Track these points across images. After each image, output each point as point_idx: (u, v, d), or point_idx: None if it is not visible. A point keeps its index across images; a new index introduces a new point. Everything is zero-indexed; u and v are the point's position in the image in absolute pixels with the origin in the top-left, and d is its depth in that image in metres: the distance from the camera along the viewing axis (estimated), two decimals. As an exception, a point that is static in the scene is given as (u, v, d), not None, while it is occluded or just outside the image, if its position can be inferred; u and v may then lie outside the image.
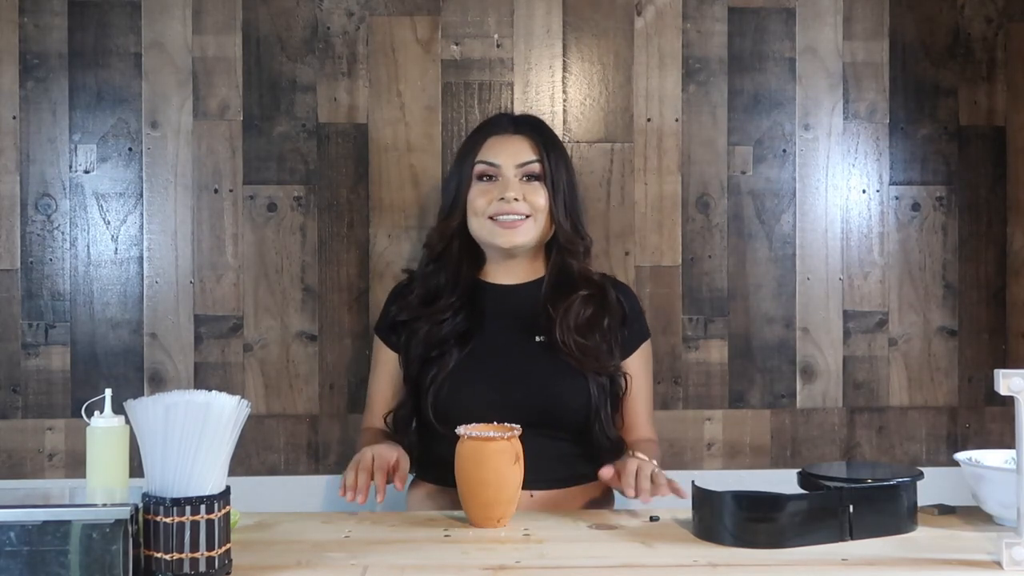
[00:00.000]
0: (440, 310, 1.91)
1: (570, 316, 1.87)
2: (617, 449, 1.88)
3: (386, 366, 1.99)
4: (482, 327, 1.91)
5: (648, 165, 2.31)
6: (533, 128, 1.97)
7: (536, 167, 1.91)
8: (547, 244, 1.97)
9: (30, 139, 2.24)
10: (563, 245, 1.93)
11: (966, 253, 2.36)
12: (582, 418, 1.86)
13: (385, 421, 1.95)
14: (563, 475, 1.84)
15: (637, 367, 1.97)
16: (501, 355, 1.89)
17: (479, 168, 1.92)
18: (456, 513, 1.58)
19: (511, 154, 1.92)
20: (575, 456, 1.87)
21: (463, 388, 1.85)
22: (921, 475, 1.54)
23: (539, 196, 1.90)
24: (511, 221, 1.88)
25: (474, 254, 1.97)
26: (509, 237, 1.89)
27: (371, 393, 2.02)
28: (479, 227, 1.91)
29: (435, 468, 1.88)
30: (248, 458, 2.25)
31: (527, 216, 1.89)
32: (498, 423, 1.58)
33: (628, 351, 1.96)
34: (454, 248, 1.95)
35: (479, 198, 1.90)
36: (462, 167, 1.95)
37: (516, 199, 1.88)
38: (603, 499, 1.93)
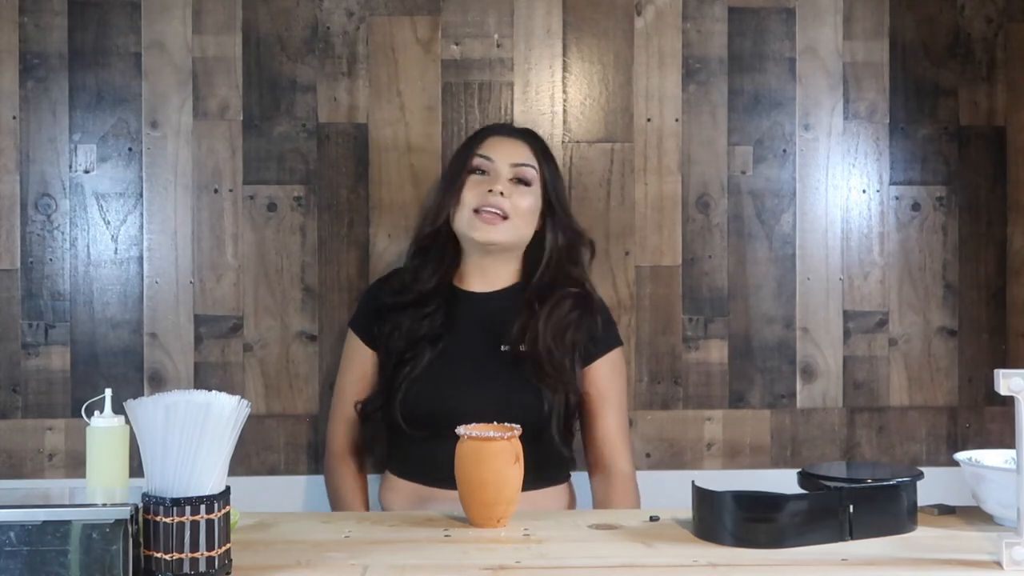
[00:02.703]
0: (424, 303, 1.97)
1: (553, 318, 1.92)
2: (564, 466, 1.96)
3: (361, 362, 2.04)
4: (452, 332, 1.97)
5: (648, 165, 2.31)
6: (532, 136, 2.06)
7: (530, 171, 1.97)
8: (525, 252, 2.03)
9: (30, 139, 2.24)
10: (562, 249, 1.98)
11: (966, 253, 2.36)
12: (537, 427, 1.88)
13: (356, 408, 2.01)
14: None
15: (604, 373, 1.99)
16: (466, 361, 1.94)
17: (475, 161, 1.97)
18: (456, 513, 1.58)
19: (507, 152, 1.98)
20: (532, 462, 1.84)
21: (428, 393, 1.91)
22: (921, 475, 1.54)
23: (524, 199, 1.96)
24: (491, 216, 1.93)
25: (455, 257, 2.02)
26: (486, 232, 1.94)
27: (341, 389, 2.07)
28: (461, 220, 1.96)
29: (405, 465, 1.96)
30: (248, 458, 2.25)
31: (507, 217, 1.94)
32: (498, 423, 1.59)
33: (594, 356, 1.99)
34: (439, 245, 2.00)
35: (469, 191, 1.95)
36: (459, 162, 2.01)
37: (502, 193, 1.93)
38: (562, 501, 1.99)
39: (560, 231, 2.00)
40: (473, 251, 2.00)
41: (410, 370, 1.92)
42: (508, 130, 2.07)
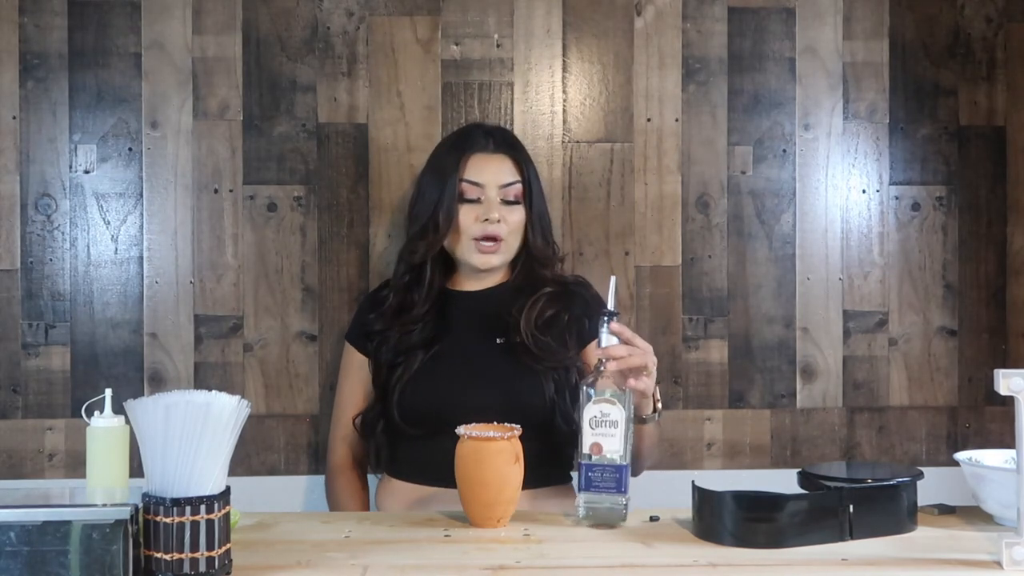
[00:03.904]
0: (412, 320, 1.98)
1: (533, 314, 1.94)
2: (566, 463, 1.97)
3: (358, 372, 2.05)
4: (447, 332, 1.98)
5: (648, 165, 2.31)
6: (510, 146, 2.03)
7: (518, 188, 1.98)
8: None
9: (30, 139, 2.24)
10: (537, 258, 2.00)
11: (966, 253, 2.36)
12: (541, 415, 1.89)
13: (354, 423, 2.02)
14: (528, 477, 1.75)
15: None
16: (463, 357, 1.95)
17: (463, 187, 1.97)
18: (456, 513, 1.58)
19: (494, 173, 1.98)
20: (538, 457, 1.81)
21: (427, 390, 1.91)
22: (921, 475, 1.54)
23: (516, 215, 1.98)
24: (490, 245, 1.96)
25: (446, 265, 2.03)
26: (487, 259, 1.97)
27: (340, 400, 2.08)
28: (461, 248, 1.98)
29: (402, 466, 1.96)
30: (248, 458, 2.25)
31: (504, 238, 1.96)
32: (498, 423, 1.59)
33: (592, 336, 1.96)
34: (429, 262, 2.00)
35: (465, 218, 1.96)
36: (444, 184, 1.97)
37: (499, 220, 1.95)
38: (568, 501, 1.94)
39: (538, 230, 2.01)
40: (470, 268, 2.01)
41: (403, 372, 1.93)
42: (487, 143, 2.00)
